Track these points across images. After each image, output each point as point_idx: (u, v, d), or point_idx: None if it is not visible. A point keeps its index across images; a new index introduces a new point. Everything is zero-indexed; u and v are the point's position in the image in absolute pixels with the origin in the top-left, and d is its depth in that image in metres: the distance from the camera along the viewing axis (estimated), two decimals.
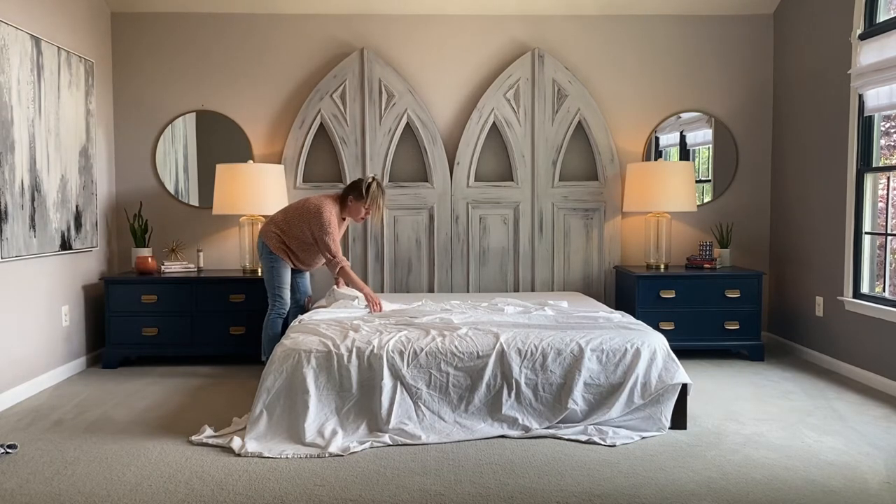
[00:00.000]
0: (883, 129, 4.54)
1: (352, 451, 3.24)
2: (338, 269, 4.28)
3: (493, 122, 5.35)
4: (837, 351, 4.73)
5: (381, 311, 4.23)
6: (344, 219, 4.47)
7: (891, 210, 4.42)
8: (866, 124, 4.48)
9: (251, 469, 3.06)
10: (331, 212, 4.29)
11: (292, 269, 4.48)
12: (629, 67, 5.48)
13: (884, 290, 4.48)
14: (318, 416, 3.44)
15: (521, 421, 3.48)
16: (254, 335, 4.85)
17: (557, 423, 3.50)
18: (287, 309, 4.43)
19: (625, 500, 2.78)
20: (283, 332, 4.37)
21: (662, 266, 5.20)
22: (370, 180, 4.33)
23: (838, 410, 3.89)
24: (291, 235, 4.34)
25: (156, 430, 3.56)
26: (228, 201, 4.99)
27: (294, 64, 5.38)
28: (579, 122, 5.37)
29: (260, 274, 4.76)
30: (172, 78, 5.36)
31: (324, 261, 4.37)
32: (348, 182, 5.28)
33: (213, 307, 4.92)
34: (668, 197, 5.08)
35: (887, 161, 4.56)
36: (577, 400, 3.52)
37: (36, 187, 4.33)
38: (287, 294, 4.41)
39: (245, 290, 4.90)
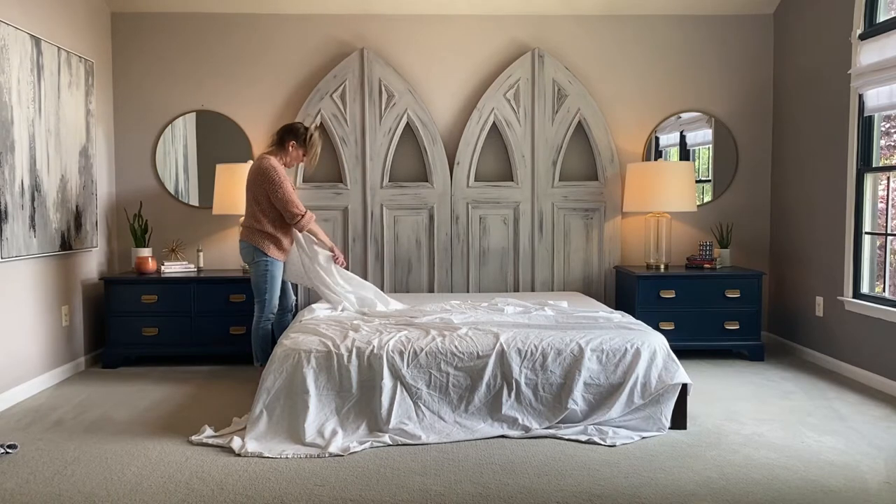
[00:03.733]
0: (883, 129, 4.54)
1: (352, 451, 3.24)
2: (305, 225, 4.09)
3: (493, 122, 5.35)
4: (837, 351, 4.72)
5: (342, 263, 4.34)
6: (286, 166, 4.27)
7: (891, 210, 4.42)
8: (866, 124, 4.48)
9: (251, 469, 3.06)
10: (278, 166, 4.11)
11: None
12: (629, 67, 5.48)
13: (884, 290, 4.48)
14: (318, 416, 3.44)
15: (521, 421, 3.48)
16: None
17: (557, 423, 3.50)
18: (275, 312, 4.29)
19: (625, 500, 2.78)
20: (273, 335, 4.34)
21: (662, 266, 5.19)
22: (312, 127, 4.30)
23: (838, 410, 3.89)
24: (263, 217, 4.13)
25: (156, 430, 3.56)
26: (228, 201, 4.99)
27: (294, 64, 5.38)
28: (579, 122, 5.37)
29: None
30: (172, 78, 5.36)
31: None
32: (346, 180, 5.31)
33: (213, 307, 4.92)
34: (668, 197, 5.08)
35: (887, 161, 4.56)
36: (577, 400, 3.52)
37: (36, 187, 4.33)
38: (277, 298, 4.26)
39: (245, 290, 4.89)
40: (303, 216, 4.12)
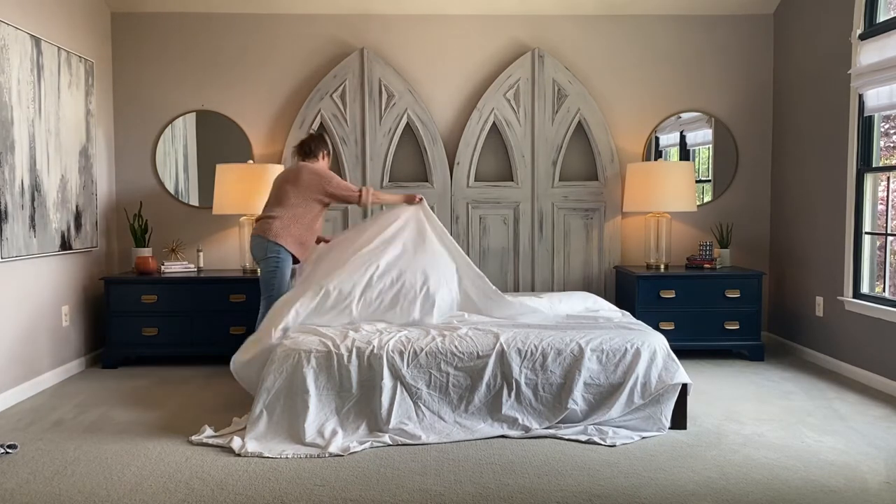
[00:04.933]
0: (883, 129, 4.54)
1: (352, 451, 3.24)
2: (369, 197, 4.28)
3: (493, 122, 5.35)
4: (837, 351, 4.72)
5: (420, 200, 4.37)
6: None
7: (891, 210, 4.42)
8: (866, 124, 4.48)
9: (251, 469, 3.06)
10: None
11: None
12: (629, 67, 5.48)
13: (884, 290, 4.48)
14: (318, 416, 3.44)
15: (521, 421, 3.48)
16: None
17: (557, 423, 3.50)
18: None
19: (625, 500, 2.79)
20: None
21: (662, 266, 5.19)
22: (320, 133, 4.65)
23: (838, 410, 3.89)
24: (301, 220, 4.22)
25: (156, 430, 3.56)
26: (228, 201, 4.99)
27: (294, 64, 5.38)
28: (579, 122, 5.37)
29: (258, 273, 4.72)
30: (172, 78, 5.36)
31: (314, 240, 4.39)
32: (346, 180, 5.28)
33: (213, 307, 4.92)
34: (668, 197, 5.08)
35: (887, 161, 4.57)
36: (577, 400, 3.52)
37: (36, 187, 4.33)
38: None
39: (245, 290, 4.90)
40: (361, 192, 4.28)
